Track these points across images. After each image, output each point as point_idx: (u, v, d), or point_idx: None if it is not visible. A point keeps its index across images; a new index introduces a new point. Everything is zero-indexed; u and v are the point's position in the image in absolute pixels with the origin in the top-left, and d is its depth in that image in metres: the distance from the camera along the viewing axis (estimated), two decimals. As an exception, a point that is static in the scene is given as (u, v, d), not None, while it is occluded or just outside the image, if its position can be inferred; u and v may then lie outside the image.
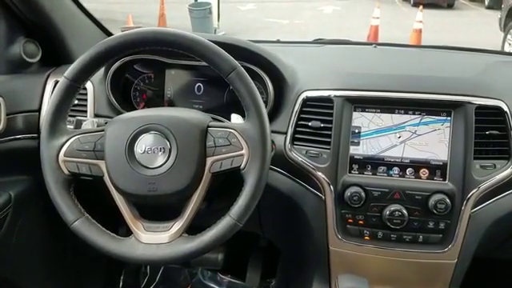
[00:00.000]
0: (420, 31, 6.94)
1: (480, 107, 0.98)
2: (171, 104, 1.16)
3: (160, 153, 0.83)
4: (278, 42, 1.59)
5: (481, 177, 0.95)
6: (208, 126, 0.86)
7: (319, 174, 1.01)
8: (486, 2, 13.11)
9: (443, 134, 1.00)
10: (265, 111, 0.86)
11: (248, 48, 1.07)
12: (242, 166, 0.84)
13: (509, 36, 6.43)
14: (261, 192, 0.84)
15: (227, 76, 0.84)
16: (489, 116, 0.98)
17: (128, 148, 0.83)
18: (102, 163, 0.84)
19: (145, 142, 0.83)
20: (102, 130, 0.86)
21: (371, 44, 1.38)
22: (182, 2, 8.22)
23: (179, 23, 8.28)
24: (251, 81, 0.85)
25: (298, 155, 1.01)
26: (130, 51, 0.86)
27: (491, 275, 1.44)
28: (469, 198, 0.97)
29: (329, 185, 0.99)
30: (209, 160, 0.85)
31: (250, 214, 0.84)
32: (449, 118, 0.99)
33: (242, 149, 0.84)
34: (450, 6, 13.24)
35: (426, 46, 1.50)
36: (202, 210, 1.03)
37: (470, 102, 0.98)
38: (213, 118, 0.93)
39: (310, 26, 9.01)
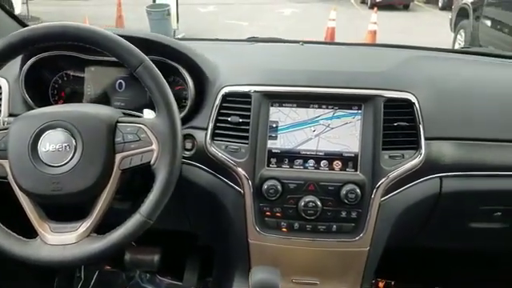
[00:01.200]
0: (375, 32, 7.15)
1: (389, 100, 1.02)
2: (92, 102, 1.15)
3: (65, 150, 0.82)
4: (217, 40, 1.61)
5: (389, 166, 0.98)
6: (117, 122, 0.86)
7: (238, 169, 1.01)
8: (440, 4, 13.63)
9: (354, 126, 1.03)
10: (175, 106, 0.87)
11: (166, 44, 1.08)
12: (152, 161, 0.84)
13: (458, 36, 6.73)
14: (172, 187, 0.85)
15: (135, 70, 0.85)
16: (398, 108, 1.03)
17: (31, 146, 0.82)
18: (5, 163, 0.83)
19: (49, 140, 0.82)
20: (7, 129, 0.85)
21: (298, 42, 1.42)
22: (141, 4, 8.12)
23: (137, 25, 8.17)
24: (160, 75, 0.86)
25: (217, 150, 1.02)
26: (38, 45, 0.85)
27: (413, 264, 1.50)
28: (378, 187, 1.01)
29: (247, 179, 1.00)
30: (118, 156, 0.85)
31: (160, 210, 0.85)
32: (359, 112, 1.04)
33: (152, 144, 0.85)
34: (406, 8, 13.67)
35: (353, 43, 1.55)
36: (123, 209, 1.03)
37: (379, 95, 1.01)
38: (126, 114, 0.93)
39: (269, 28, 9.09)
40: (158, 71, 0.86)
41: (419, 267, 1.55)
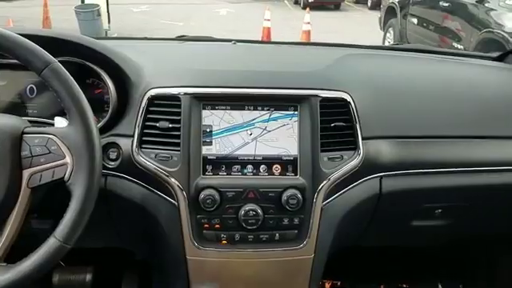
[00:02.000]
0: (309, 32, 7.28)
1: (324, 100, 0.99)
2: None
3: None
4: (145, 38, 1.52)
5: (329, 169, 0.95)
6: (23, 133, 0.75)
7: (171, 179, 0.93)
8: (369, 4, 14.21)
9: (292, 128, 0.98)
10: (89, 112, 0.77)
11: (79, 43, 0.97)
12: (66, 177, 0.74)
13: (388, 34, 7.02)
14: (91, 206, 0.75)
15: (40, 73, 0.74)
16: (334, 108, 1.00)
17: None
18: None
19: None
20: None
21: (231, 41, 1.36)
22: (70, 5, 7.71)
23: (66, 26, 7.73)
24: (70, 78, 0.76)
25: (146, 160, 0.93)
26: None
27: (358, 263, 1.50)
28: (319, 191, 0.97)
29: (181, 190, 0.92)
30: (25, 173, 0.74)
31: (79, 232, 0.75)
32: (296, 113, 0.98)
33: (65, 157, 0.74)
34: (337, 8, 14.11)
35: (287, 42, 1.52)
36: (44, 229, 0.91)
37: (314, 95, 0.96)
38: (35, 123, 0.82)
39: (205, 28, 8.97)
40: (68, 74, 0.76)
41: (364, 265, 1.55)
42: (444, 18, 5.45)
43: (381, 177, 1.04)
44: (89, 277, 1.37)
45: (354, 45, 1.45)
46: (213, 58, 1.17)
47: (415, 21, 6.15)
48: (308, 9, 8.19)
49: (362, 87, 1.05)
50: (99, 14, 7.60)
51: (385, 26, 7.21)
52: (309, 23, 7.33)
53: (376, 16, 7.98)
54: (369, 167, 1.01)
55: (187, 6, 12.30)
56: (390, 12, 6.97)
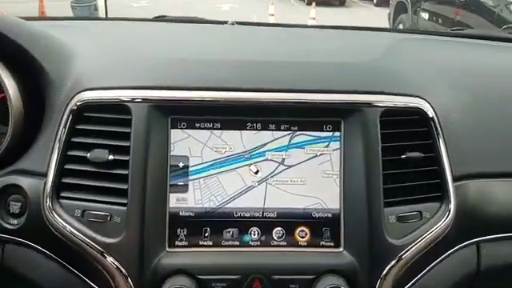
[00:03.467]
0: (315, 28, 6.89)
1: (388, 112, 0.57)
2: None
3: None
4: (107, 19, 1.11)
5: (400, 238, 0.56)
6: None
7: (108, 258, 0.52)
8: (375, 0, 13.80)
9: (330, 162, 0.57)
10: None
11: None
12: None
13: (397, 31, 6.67)
14: None
15: None
16: (404, 126, 0.58)
17: None
18: None
19: None
20: None
21: (227, 22, 0.92)
22: (67, 0, 7.41)
23: (61, 22, 7.43)
24: None
25: (65, 219, 0.55)
26: None
27: None
28: (383, 280, 0.55)
29: (126, 278, 0.53)
30: None
31: None
32: (337, 135, 0.57)
33: None
34: (342, 4, 13.71)
35: (307, 25, 1.08)
36: None
37: (370, 103, 0.57)
38: None
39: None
40: None
41: None
42: (459, 13, 5.09)
43: (478, 243, 0.61)
44: None
45: (386, 28, 1.00)
46: (199, 44, 0.73)
47: (427, 16, 5.82)
48: (314, 4, 7.78)
49: (444, 90, 0.63)
50: (96, 9, 7.30)
51: (394, 22, 6.92)
52: (314, 19, 6.93)
53: (381, 12, 7.61)
54: (463, 228, 0.60)
55: (188, 2, 11.95)
56: (400, 8, 6.71)
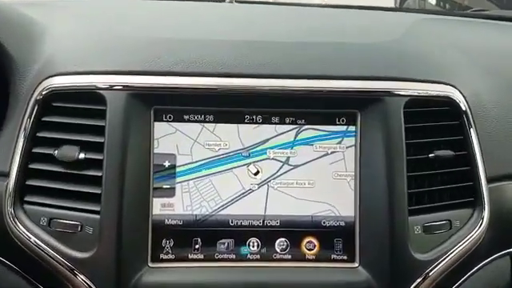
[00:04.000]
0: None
1: (414, 101, 0.48)
2: None
3: None
4: None
5: (426, 251, 0.47)
6: None
7: (78, 277, 0.44)
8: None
9: (343, 161, 0.48)
10: None
11: None
12: None
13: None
14: None
15: None
16: (432, 119, 0.50)
17: None
18: None
19: None
20: None
21: (224, 0, 0.82)
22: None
23: None
24: None
25: (29, 229, 0.47)
26: None
27: None
28: None
29: None
30: None
31: None
32: (352, 129, 0.48)
33: None
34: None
35: (310, 3, 0.98)
36: None
37: (392, 92, 0.48)
38: None
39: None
40: None
41: None
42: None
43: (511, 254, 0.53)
44: None
45: (403, 8, 0.91)
46: (189, 23, 0.63)
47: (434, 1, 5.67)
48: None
49: (476, 76, 0.54)
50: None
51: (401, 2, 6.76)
52: None
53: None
54: (497, 238, 0.51)
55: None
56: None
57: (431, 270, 0.46)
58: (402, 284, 0.46)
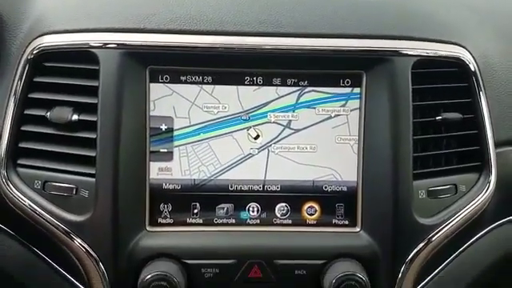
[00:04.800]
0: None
1: (422, 62, 0.46)
2: None
3: None
4: None
5: (430, 215, 0.47)
6: None
7: (75, 240, 0.44)
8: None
9: (347, 125, 0.47)
10: None
11: None
12: None
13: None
14: None
15: None
16: (440, 80, 0.48)
17: None
18: None
19: None
20: None
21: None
22: None
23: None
24: None
25: (23, 192, 0.46)
26: None
27: None
28: (409, 265, 0.46)
29: (97, 263, 0.45)
30: None
31: None
32: (357, 91, 0.47)
33: None
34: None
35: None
36: None
37: (400, 52, 0.46)
38: None
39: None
40: None
41: None
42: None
43: None
44: None
45: None
46: None
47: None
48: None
49: (488, 38, 0.52)
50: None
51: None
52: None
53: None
54: (504, 203, 0.51)
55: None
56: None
57: (435, 235, 0.46)
58: (405, 249, 0.45)
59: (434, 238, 0.46)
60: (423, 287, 0.48)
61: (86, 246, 0.44)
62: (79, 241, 0.44)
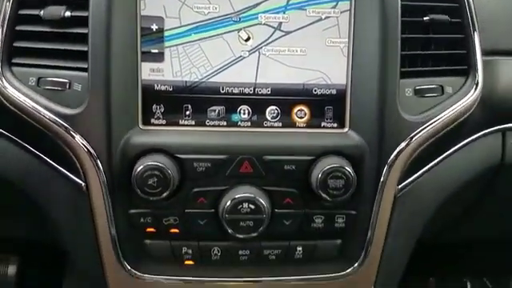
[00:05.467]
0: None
1: None
2: None
3: None
4: None
5: (416, 114, 0.48)
6: None
7: (69, 134, 0.46)
8: None
9: (337, 27, 0.47)
10: None
11: None
12: None
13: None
14: None
15: None
16: None
17: None
18: None
19: None
20: None
21: None
22: None
23: None
24: None
25: (18, 88, 0.47)
26: None
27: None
28: (393, 161, 0.48)
29: (93, 158, 0.46)
30: None
31: None
32: None
33: None
34: None
35: None
36: None
37: None
38: None
39: None
40: None
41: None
42: None
43: (504, 131, 0.54)
44: (12, 269, 0.92)
45: None
46: None
47: None
48: None
49: None
50: None
51: None
52: None
53: None
54: (489, 113, 0.52)
55: None
56: None
57: (420, 132, 0.47)
58: (391, 143, 0.47)
59: (419, 135, 0.47)
60: (408, 186, 0.50)
61: (79, 137, 0.45)
62: (74, 134, 0.45)
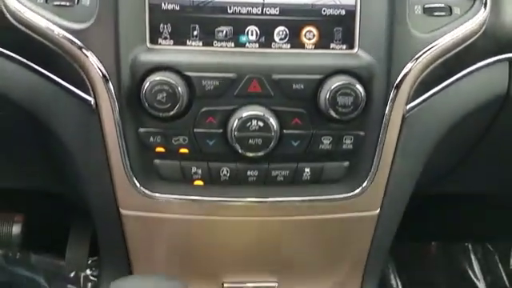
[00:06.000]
0: None
1: None
2: None
3: None
4: None
5: (426, 32, 0.48)
6: None
7: (77, 44, 0.46)
8: None
9: None
10: None
11: None
12: None
13: None
14: None
15: None
16: None
17: None
18: None
19: None
20: None
21: None
22: None
23: None
24: None
25: (29, 7, 0.47)
26: None
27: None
28: (402, 80, 0.48)
29: (103, 76, 0.47)
30: None
31: None
32: None
33: None
34: None
35: None
36: None
37: None
38: None
39: None
40: None
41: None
42: None
43: (511, 60, 0.53)
44: (17, 228, 0.93)
45: None
46: None
47: None
48: None
49: None
50: None
51: None
52: None
53: None
54: (496, 40, 0.52)
55: None
56: None
57: (429, 49, 0.47)
58: (401, 58, 0.47)
59: (425, 55, 0.47)
60: (417, 107, 0.50)
61: (87, 52, 0.45)
62: (84, 49, 0.45)
